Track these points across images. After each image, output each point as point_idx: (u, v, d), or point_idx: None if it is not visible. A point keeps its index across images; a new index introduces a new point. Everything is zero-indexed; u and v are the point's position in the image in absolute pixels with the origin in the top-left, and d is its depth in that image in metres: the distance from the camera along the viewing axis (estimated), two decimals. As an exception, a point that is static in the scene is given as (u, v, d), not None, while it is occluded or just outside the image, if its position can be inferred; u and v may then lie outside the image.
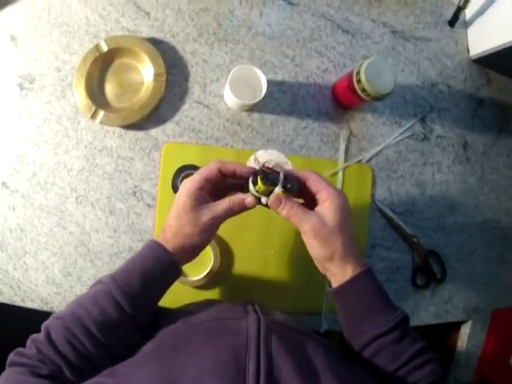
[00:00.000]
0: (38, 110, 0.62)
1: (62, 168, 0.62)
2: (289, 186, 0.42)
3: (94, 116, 0.60)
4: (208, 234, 0.44)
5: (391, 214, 0.67)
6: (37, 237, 0.62)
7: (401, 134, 0.68)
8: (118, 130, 0.62)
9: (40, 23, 0.63)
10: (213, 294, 0.62)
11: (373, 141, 0.67)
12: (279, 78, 0.65)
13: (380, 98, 0.58)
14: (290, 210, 0.42)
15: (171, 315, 0.45)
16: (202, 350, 0.33)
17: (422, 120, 0.70)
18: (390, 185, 0.68)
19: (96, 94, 0.62)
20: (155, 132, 0.62)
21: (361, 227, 0.66)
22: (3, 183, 0.62)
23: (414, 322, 0.69)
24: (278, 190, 0.42)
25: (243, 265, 0.63)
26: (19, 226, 0.62)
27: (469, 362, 0.76)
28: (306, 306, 0.65)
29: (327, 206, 0.42)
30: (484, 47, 0.71)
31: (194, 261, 0.59)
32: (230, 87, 0.57)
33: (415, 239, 0.69)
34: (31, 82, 0.63)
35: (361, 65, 0.57)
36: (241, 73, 0.57)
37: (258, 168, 0.44)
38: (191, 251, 0.44)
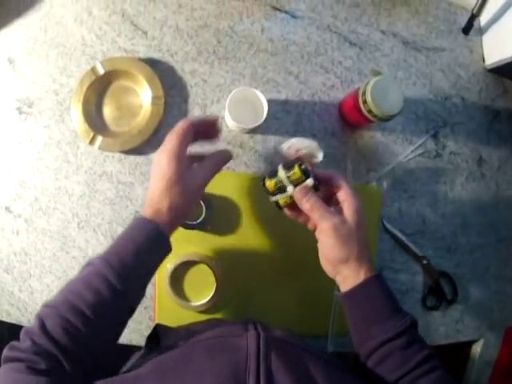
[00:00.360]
0: (37, 135, 0.60)
1: (63, 193, 0.59)
2: (316, 182, 0.44)
3: (92, 141, 0.57)
4: (198, 198, 0.45)
5: (401, 236, 0.62)
6: (41, 261, 0.60)
7: (412, 152, 0.63)
8: (117, 154, 0.59)
9: (37, 45, 0.60)
10: (216, 317, 0.59)
11: (382, 160, 0.62)
12: (283, 96, 0.60)
13: (387, 119, 0.53)
14: (313, 204, 0.43)
15: (171, 334, 0.44)
16: (201, 368, 0.32)
17: (435, 136, 0.64)
18: (400, 205, 0.63)
19: (94, 119, 0.58)
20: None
21: (369, 249, 0.61)
22: (6, 208, 0.60)
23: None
24: (310, 181, 0.43)
25: (246, 288, 0.60)
26: (23, 249, 0.60)
27: (479, 380, 0.72)
28: (311, 328, 0.61)
29: (347, 206, 0.43)
30: (500, 56, 0.65)
31: (196, 286, 0.58)
32: (229, 110, 0.53)
33: (425, 261, 0.64)
34: (30, 106, 0.60)
35: (367, 84, 0.52)
36: (241, 94, 0.53)
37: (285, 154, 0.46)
38: (181, 219, 0.44)
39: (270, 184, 0.46)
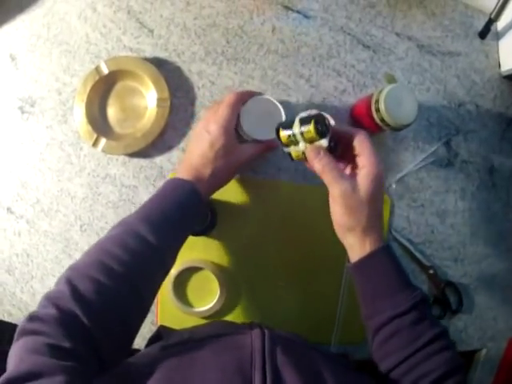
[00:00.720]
0: (39, 135, 0.57)
1: (66, 195, 0.57)
2: (332, 144, 0.40)
3: (95, 144, 0.54)
4: (236, 173, 0.46)
5: (408, 245, 0.60)
6: (43, 263, 0.58)
7: (423, 160, 0.60)
8: (121, 157, 0.56)
9: (39, 42, 0.57)
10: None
11: (393, 168, 0.59)
12: (293, 100, 0.56)
13: (400, 128, 0.51)
14: (325, 166, 0.39)
15: (175, 334, 0.43)
16: (207, 364, 0.31)
17: (447, 144, 0.61)
18: (409, 214, 0.60)
19: (97, 120, 0.55)
20: (160, 160, 0.56)
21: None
22: (8, 208, 0.58)
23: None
24: (323, 142, 0.39)
25: (250, 295, 0.58)
26: (25, 251, 0.58)
27: (481, 389, 0.70)
28: (314, 336, 0.59)
29: (363, 175, 0.39)
30: (517, 62, 0.61)
31: (199, 292, 0.55)
32: (242, 121, 0.47)
33: (432, 271, 0.61)
34: (32, 106, 0.57)
35: (381, 92, 0.49)
36: (256, 104, 0.47)
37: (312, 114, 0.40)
38: (217, 189, 0.45)
39: (283, 135, 0.42)
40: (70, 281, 0.32)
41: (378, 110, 0.49)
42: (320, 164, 0.39)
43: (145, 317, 0.39)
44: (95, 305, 0.32)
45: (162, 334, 0.44)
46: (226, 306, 0.56)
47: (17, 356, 0.28)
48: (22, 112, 0.57)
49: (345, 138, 0.41)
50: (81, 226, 0.57)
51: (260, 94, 0.48)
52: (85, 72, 0.56)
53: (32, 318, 0.30)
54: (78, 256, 0.57)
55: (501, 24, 0.63)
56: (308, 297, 0.58)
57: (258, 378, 0.29)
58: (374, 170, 0.39)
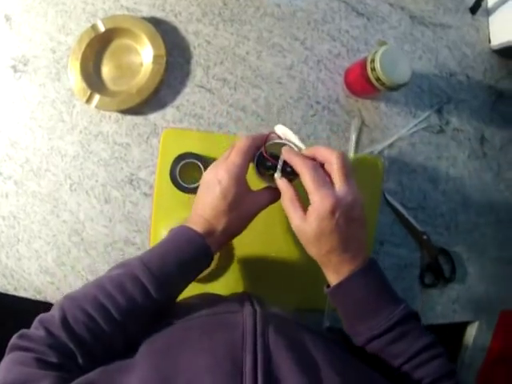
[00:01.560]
0: (31, 94, 0.55)
1: (56, 154, 0.55)
2: (288, 169, 0.40)
3: (89, 100, 0.53)
4: (247, 222, 0.42)
5: (401, 209, 0.59)
6: (30, 225, 0.56)
7: (415, 126, 0.60)
8: (114, 114, 0.55)
9: (35, 2, 0.56)
10: (212, 287, 0.56)
11: (385, 132, 0.59)
12: (288, 61, 0.56)
13: (395, 88, 0.50)
14: (284, 201, 0.39)
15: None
16: (196, 347, 0.29)
17: (439, 111, 0.61)
18: (402, 178, 0.60)
19: (92, 77, 0.54)
20: (154, 117, 0.54)
21: (369, 222, 0.58)
22: (-5, 169, 0.55)
23: (421, 322, 0.62)
24: (276, 176, 0.40)
25: (243, 258, 0.56)
26: (12, 213, 0.56)
27: (473, 364, 0.69)
28: (307, 302, 0.58)
29: (309, 212, 0.37)
30: (506, 38, 0.62)
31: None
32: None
33: (425, 236, 0.61)
34: (25, 64, 0.55)
35: (376, 52, 0.49)
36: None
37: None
38: (227, 239, 0.42)
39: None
40: (62, 308, 0.33)
41: (373, 69, 0.49)
42: (283, 199, 0.39)
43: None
44: (83, 337, 0.32)
45: None
46: (217, 269, 0.54)
47: (5, 368, 0.29)
48: (15, 71, 0.56)
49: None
50: (70, 186, 0.55)
51: (272, 134, 0.43)
52: (80, 31, 0.55)
53: (23, 336, 0.31)
54: (66, 217, 0.55)
55: (491, 1, 0.65)
56: (301, 260, 0.57)
57: (248, 361, 0.28)
58: (318, 207, 0.36)
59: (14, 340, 0.31)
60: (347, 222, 0.36)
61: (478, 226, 0.65)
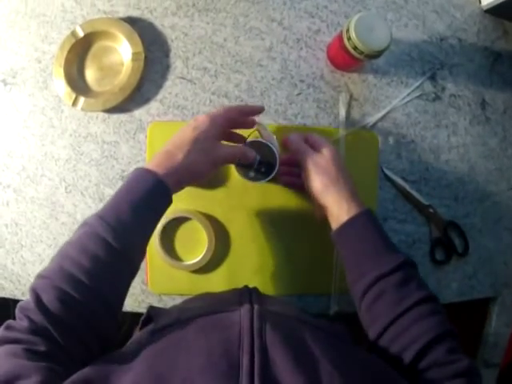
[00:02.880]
0: (22, 104, 0.57)
1: (50, 159, 0.56)
2: (263, 169, 0.46)
3: (74, 103, 0.54)
4: (212, 169, 0.41)
5: (403, 183, 0.56)
6: (31, 230, 0.56)
7: (408, 95, 0.57)
8: (101, 114, 0.55)
9: (18, 17, 0.58)
10: (211, 278, 0.54)
11: (377, 104, 0.56)
12: (267, 44, 0.55)
13: (375, 55, 0.48)
14: (297, 144, 0.45)
15: (165, 313, 0.40)
16: (193, 347, 0.29)
17: (432, 78, 0.58)
18: (400, 151, 0.57)
19: (76, 81, 0.55)
20: (139, 113, 0.54)
21: (369, 199, 0.55)
22: (-5, 180, 0.56)
23: (436, 301, 0.58)
24: (251, 175, 0.47)
25: (241, 246, 0.54)
26: (14, 220, 0.57)
27: (498, 342, 0.64)
28: (312, 286, 0.56)
29: (323, 150, 0.45)
30: (497, -5, 0.58)
31: (188, 244, 0.53)
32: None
33: (431, 210, 0.57)
34: (14, 77, 0.57)
35: (350, 21, 0.47)
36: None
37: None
38: (189, 179, 0.41)
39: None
40: (35, 290, 0.32)
41: (349, 38, 0.47)
42: (294, 142, 0.45)
43: (116, 317, 0.36)
44: (60, 315, 0.31)
45: (152, 315, 0.41)
46: (215, 258, 0.53)
47: None
48: (5, 84, 0.57)
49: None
50: (66, 188, 0.55)
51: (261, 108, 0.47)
52: (62, 39, 0.55)
53: (9, 327, 0.31)
54: (64, 219, 0.55)
55: (476, -43, 0.61)
56: (302, 243, 0.55)
57: (245, 361, 0.27)
58: (327, 145, 0.45)
59: (1, 333, 0.31)
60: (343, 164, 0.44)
61: (488, 194, 0.60)
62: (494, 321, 0.63)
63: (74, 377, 0.27)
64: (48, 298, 0.31)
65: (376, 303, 0.37)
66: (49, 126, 0.56)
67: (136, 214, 0.36)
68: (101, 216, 0.35)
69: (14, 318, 0.31)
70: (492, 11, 0.61)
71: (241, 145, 0.46)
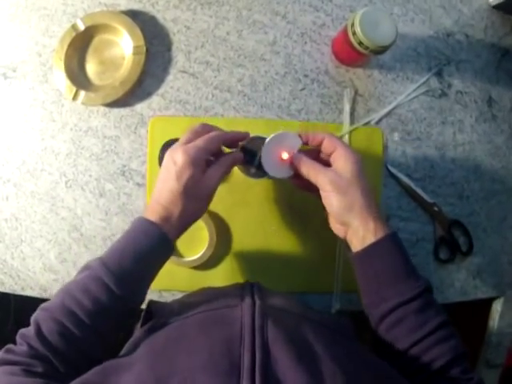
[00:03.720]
0: (22, 98, 0.56)
1: (50, 153, 0.55)
2: (241, 165, 0.43)
3: (75, 97, 0.53)
4: (209, 201, 0.41)
5: (407, 181, 0.55)
6: (31, 225, 0.56)
7: (414, 91, 0.56)
8: (102, 108, 0.54)
9: (18, 10, 0.57)
10: (212, 274, 0.54)
11: (382, 100, 0.55)
12: (270, 38, 0.54)
13: (381, 50, 0.47)
14: (306, 163, 0.40)
15: (166, 308, 0.40)
16: (193, 345, 0.29)
17: (438, 74, 0.57)
18: (405, 148, 0.56)
19: (77, 75, 0.54)
20: (140, 107, 0.54)
21: (378, 205, 0.53)
22: (-5, 174, 0.56)
23: (438, 299, 0.56)
24: (253, 171, 0.43)
25: (243, 243, 0.54)
26: (14, 215, 0.56)
27: (501, 343, 0.63)
28: (314, 284, 0.55)
29: (343, 161, 0.39)
30: (504, -9, 0.57)
31: (189, 240, 0.52)
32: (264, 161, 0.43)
33: (436, 208, 0.56)
34: (14, 71, 0.56)
35: (355, 15, 0.46)
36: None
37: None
38: (189, 225, 0.41)
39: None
40: (36, 321, 0.34)
41: (354, 33, 0.47)
42: (305, 166, 0.40)
43: (116, 339, 0.38)
44: (59, 346, 0.32)
45: (152, 311, 0.41)
46: (216, 255, 0.53)
47: None
48: (5, 78, 0.57)
49: (316, 144, 0.42)
50: (66, 183, 0.55)
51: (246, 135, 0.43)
52: (63, 32, 0.55)
53: (9, 350, 0.33)
54: (64, 214, 0.55)
55: (484, -48, 0.60)
56: (304, 240, 0.54)
57: (246, 359, 0.26)
58: (351, 156, 0.39)
59: (1, 355, 0.32)
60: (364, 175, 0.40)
61: (494, 193, 0.60)
62: (497, 321, 0.62)
63: (75, 382, 0.27)
64: (47, 329, 0.33)
65: (395, 328, 0.37)
66: (49, 120, 0.55)
67: (139, 264, 0.37)
68: (104, 262, 0.36)
69: (15, 313, 0.32)
70: (500, 7, 0.60)
71: (224, 157, 0.41)
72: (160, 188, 0.39)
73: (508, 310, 0.62)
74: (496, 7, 0.61)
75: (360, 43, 0.47)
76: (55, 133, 0.55)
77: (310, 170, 0.40)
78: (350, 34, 0.47)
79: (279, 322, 0.31)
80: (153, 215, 0.38)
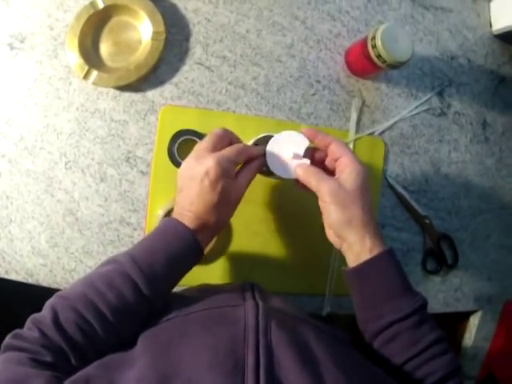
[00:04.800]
0: (28, 71, 0.55)
1: (52, 132, 0.55)
2: (264, 168, 0.43)
3: (86, 76, 0.53)
4: (235, 209, 0.42)
5: (403, 192, 0.59)
6: (23, 205, 0.55)
7: (417, 108, 0.60)
8: (112, 91, 0.54)
9: (33, -21, 0.56)
10: (210, 270, 0.55)
11: (386, 113, 0.59)
12: (288, 40, 0.57)
13: (396, 65, 0.51)
14: (307, 171, 0.40)
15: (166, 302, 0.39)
16: (197, 343, 0.29)
17: (440, 94, 0.62)
18: (403, 161, 0.60)
19: (90, 54, 0.54)
20: (152, 94, 0.54)
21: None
22: (-11, 148, 0.55)
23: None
24: (264, 169, 0.43)
25: (242, 240, 0.55)
26: (5, 193, 0.55)
27: (476, 356, 0.68)
28: (308, 286, 0.57)
29: (347, 172, 0.39)
30: (507, 23, 0.63)
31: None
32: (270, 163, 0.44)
33: (427, 220, 0.61)
34: (22, 42, 0.55)
35: (377, 29, 0.50)
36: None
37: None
38: (217, 231, 0.43)
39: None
40: (53, 308, 0.33)
41: (374, 46, 0.50)
42: (303, 171, 0.40)
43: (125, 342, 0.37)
44: (75, 338, 0.32)
45: None
46: (215, 250, 0.54)
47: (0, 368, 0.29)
48: (11, 48, 0.55)
49: (323, 146, 0.42)
50: (65, 164, 0.54)
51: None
52: (78, 8, 0.55)
53: (17, 336, 0.31)
54: (60, 196, 0.54)
55: (491, -15, 0.66)
56: (302, 243, 0.56)
57: (251, 359, 0.27)
58: (356, 166, 0.39)
59: (8, 340, 0.31)
60: (368, 188, 0.40)
61: (480, 211, 0.65)
62: (473, 334, 0.67)
63: (76, 376, 0.27)
64: (65, 318, 0.32)
65: (389, 344, 0.38)
66: (54, 97, 0.55)
67: (169, 268, 0.37)
68: (134, 259, 0.36)
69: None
70: (501, 36, 0.66)
71: (251, 164, 0.42)
72: (191, 198, 0.39)
73: (485, 325, 0.67)
74: (498, 36, 0.66)
75: (378, 56, 0.50)
76: (59, 111, 0.55)
77: (310, 176, 0.40)
78: (370, 47, 0.50)
79: (282, 324, 0.31)
80: (187, 222, 0.38)
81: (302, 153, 0.42)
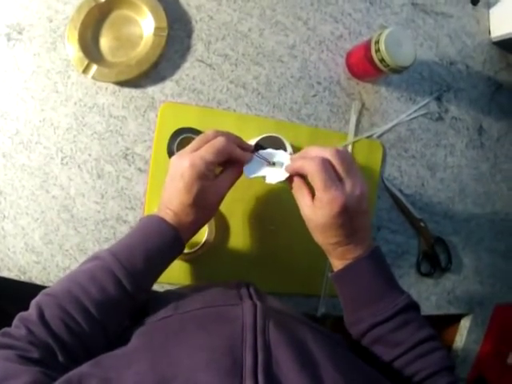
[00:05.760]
0: (25, 63, 0.55)
1: (48, 126, 0.55)
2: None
3: (86, 70, 0.53)
4: (215, 209, 0.43)
5: (399, 195, 0.61)
6: (17, 200, 0.55)
7: (415, 112, 0.62)
8: (111, 86, 0.55)
9: (33, -32, 0.56)
10: (207, 268, 0.56)
11: (385, 116, 0.61)
12: (290, 41, 0.58)
13: (398, 70, 0.52)
14: (294, 188, 0.42)
15: (161, 300, 0.40)
16: (194, 342, 0.29)
17: (438, 99, 0.64)
18: (401, 164, 0.62)
19: (90, 47, 0.54)
20: (152, 90, 0.55)
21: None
22: (-17, 141, 0.55)
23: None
24: (283, 165, 0.43)
25: (240, 239, 0.56)
26: (-2, 187, 0.55)
27: (466, 358, 0.70)
28: (303, 287, 0.59)
29: (319, 206, 0.38)
30: (505, 30, 0.65)
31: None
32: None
33: (422, 224, 0.63)
34: (20, 33, 0.55)
35: (381, 33, 0.51)
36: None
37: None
38: (196, 229, 0.44)
39: None
40: (39, 305, 0.34)
41: (377, 50, 0.51)
42: (292, 184, 0.42)
43: (113, 335, 0.38)
44: (60, 333, 0.33)
45: (148, 300, 0.43)
46: (213, 248, 0.55)
47: None
48: (9, 39, 0.55)
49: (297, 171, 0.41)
50: (62, 159, 0.55)
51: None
52: (79, 0, 0.55)
53: (5, 334, 0.32)
54: (56, 192, 0.55)
55: (492, -8, 0.68)
56: (299, 244, 0.58)
57: (249, 359, 0.27)
58: (326, 206, 0.37)
59: None
60: (355, 215, 0.38)
61: (474, 216, 0.67)
62: (464, 337, 0.70)
63: (69, 374, 0.27)
64: (51, 315, 0.33)
65: (375, 345, 0.39)
66: (52, 91, 0.55)
67: (149, 261, 0.38)
68: (115, 255, 0.37)
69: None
70: (500, 44, 0.68)
71: (233, 167, 0.43)
72: (169, 195, 0.40)
73: (475, 328, 0.69)
74: (496, 43, 0.69)
75: (381, 60, 0.51)
76: (57, 105, 0.55)
77: (295, 193, 0.41)
78: (373, 50, 0.51)
79: (280, 324, 0.32)
80: (166, 215, 0.40)
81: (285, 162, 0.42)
